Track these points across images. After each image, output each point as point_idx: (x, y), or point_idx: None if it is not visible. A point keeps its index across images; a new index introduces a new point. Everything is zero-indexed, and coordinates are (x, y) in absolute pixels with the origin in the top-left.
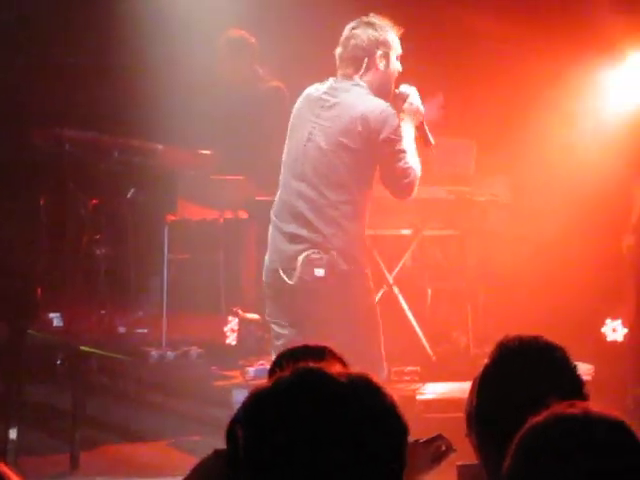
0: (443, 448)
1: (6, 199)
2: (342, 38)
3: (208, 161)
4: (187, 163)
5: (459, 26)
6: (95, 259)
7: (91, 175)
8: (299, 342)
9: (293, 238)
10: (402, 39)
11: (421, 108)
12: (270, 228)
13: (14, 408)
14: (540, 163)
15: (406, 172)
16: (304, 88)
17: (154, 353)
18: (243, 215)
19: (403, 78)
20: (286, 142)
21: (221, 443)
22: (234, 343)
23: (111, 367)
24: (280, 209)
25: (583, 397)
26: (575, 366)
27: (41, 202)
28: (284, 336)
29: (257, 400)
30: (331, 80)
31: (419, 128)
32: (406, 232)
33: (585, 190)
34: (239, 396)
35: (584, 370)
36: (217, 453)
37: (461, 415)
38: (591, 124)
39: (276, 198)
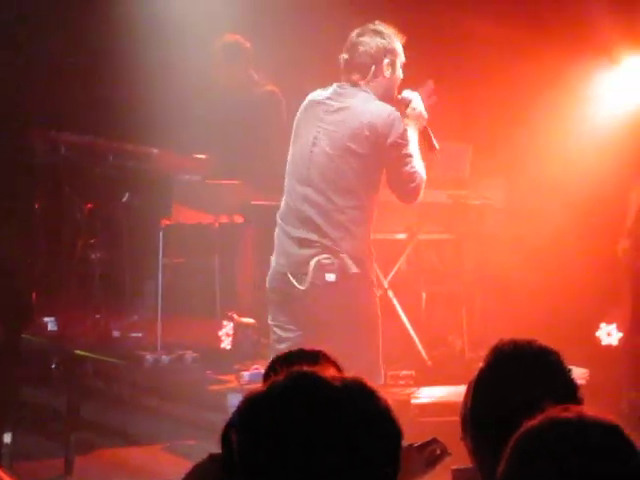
0: (438, 452)
1: (1, 202)
2: (348, 44)
3: (203, 165)
4: (182, 167)
5: (455, 29)
6: (90, 263)
7: (86, 179)
8: (303, 345)
9: (302, 243)
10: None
11: (424, 113)
12: (277, 231)
13: (9, 412)
14: (536, 166)
15: (413, 176)
16: (299, 92)
17: (149, 357)
18: (238, 219)
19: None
20: (290, 148)
21: (216, 447)
22: (229, 347)
23: (106, 371)
24: (287, 214)
25: (577, 401)
26: (569, 370)
27: (36, 206)
28: (288, 340)
29: (251, 404)
30: (335, 85)
31: (423, 133)
32: (401, 236)
33: (580, 193)
34: (234, 400)
35: (578, 374)
36: (212, 457)
37: (456, 419)
38: (587, 127)
39: (282, 203)
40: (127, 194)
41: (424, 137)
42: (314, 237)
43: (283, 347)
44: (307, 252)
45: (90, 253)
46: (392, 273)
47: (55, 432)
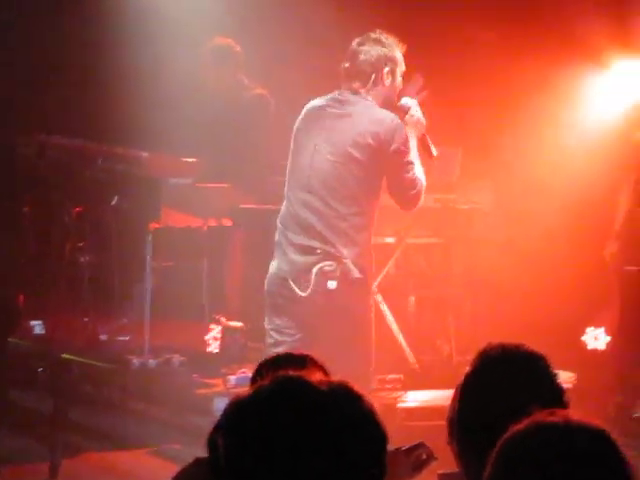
0: (424, 456)
1: None
2: (349, 53)
3: (192, 169)
4: (171, 171)
5: (445, 34)
6: (79, 266)
7: (75, 182)
8: (300, 349)
9: (304, 249)
10: None
11: (422, 120)
12: (277, 236)
13: None
14: (525, 170)
15: (414, 183)
16: (288, 93)
17: (136, 361)
18: (227, 223)
19: None
20: (290, 155)
21: (203, 451)
22: (216, 351)
23: (93, 375)
24: (287, 220)
25: (563, 405)
26: (556, 374)
27: (25, 209)
28: (285, 343)
29: (238, 408)
30: (335, 93)
31: (421, 139)
32: (390, 240)
33: (569, 197)
34: (221, 404)
35: (565, 378)
36: (198, 461)
37: (443, 423)
38: (576, 131)
39: (282, 208)
40: (116, 197)
41: (422, 144)
42: (316, 244)
43: (280, 350)
44: (309, 259)
45: (79, 256)
46: (380, 277)
47: (41, 436)
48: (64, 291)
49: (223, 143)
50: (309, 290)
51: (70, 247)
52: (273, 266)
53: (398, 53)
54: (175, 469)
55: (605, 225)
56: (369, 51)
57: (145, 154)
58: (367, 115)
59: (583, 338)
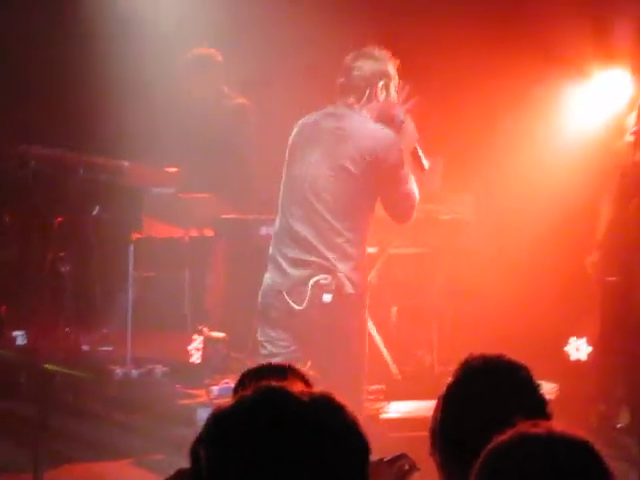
0: (406, 467)
1: None
2: (343, 68)
3: (174, 178)
4: (153, 180)
5: (425, 45)
6: (60, 276)
7: (57, 192)
8: (295, 361)
9: (299, 263)
10: None
11: (415, 133)
12: (271, 249)
13: None
14: (506, 180)
15: (408, 196)
16: (269, 104)
17: (118, 371)
18: (209, 233)
19: None
20: (284, 169)
21: (185, 462)
22: (199, 361)
23: (75, 385)
24: (281, 233)
25: (546, 416)
26: (538, 385)
27: (6, 219)
28: (280, 354)
29: (219, 419)
30: (330, 108)
31: (413, 152)
32: (372, 250)
33: (550, 207)
34: (203, 415)
35: (547, 389)
36: (180, 472)
37: (425, 434)
38: (557, 142)
39: (276, 222)
40: (97, 207)
41: (414, 157)
42: (310, 258)
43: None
44: (304, 272)
45: (60, 266)
46: None
47: (24, 446)
48: (46, 301)
49: (204, 153)
50: (305, 303)
51: (52, 257)
52: (267, 278)
53: (391, 67)
54: None
55: (587, 235)
56: (363, 66)
57: (126, 164)
58: (363, 130)
59: (566, 349)
